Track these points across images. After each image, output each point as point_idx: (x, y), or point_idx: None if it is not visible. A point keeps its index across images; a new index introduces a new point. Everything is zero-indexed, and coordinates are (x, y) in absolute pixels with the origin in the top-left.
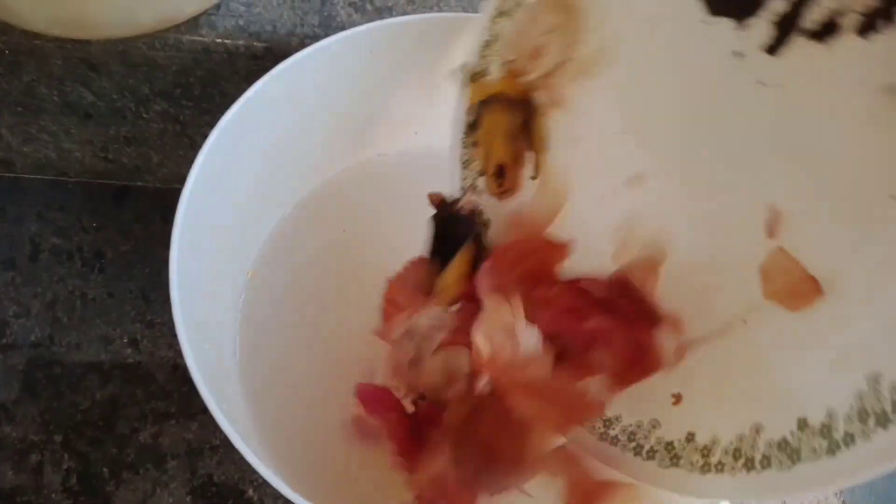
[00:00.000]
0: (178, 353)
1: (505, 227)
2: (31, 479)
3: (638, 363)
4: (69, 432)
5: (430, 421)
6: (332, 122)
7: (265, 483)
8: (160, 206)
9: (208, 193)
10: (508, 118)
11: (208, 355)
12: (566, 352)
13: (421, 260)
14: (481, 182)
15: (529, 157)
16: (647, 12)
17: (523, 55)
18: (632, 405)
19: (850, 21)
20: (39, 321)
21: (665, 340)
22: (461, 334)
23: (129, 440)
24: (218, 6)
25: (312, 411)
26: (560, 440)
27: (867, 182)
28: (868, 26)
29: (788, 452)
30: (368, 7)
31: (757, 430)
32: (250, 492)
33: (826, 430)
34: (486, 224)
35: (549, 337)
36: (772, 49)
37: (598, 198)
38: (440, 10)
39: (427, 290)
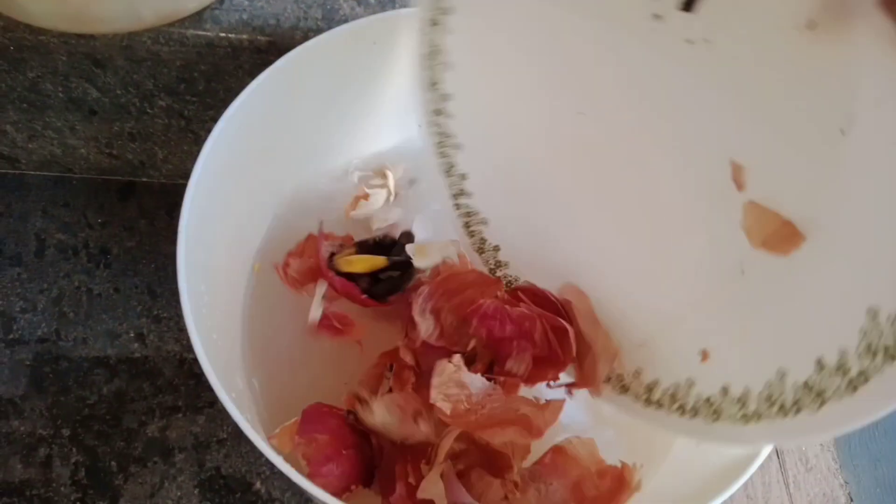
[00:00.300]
0: (185, 348)
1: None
2: (39, 472)
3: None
4: (77, 426)
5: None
6: (335, 114)
7: (273, 475)
8: (165, 201)
9: (214, 185)
10: None
11: (216, 345)
12: (498, 357)
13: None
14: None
15: None
16: None
17: None
18: (666, 368)
19: None
20: (46, 316)
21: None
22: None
23: (136, 434)
24: (221, 0)
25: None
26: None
27: (810, 120)
28: None
29: (814, 394)
30: None
31: (782, 374)
32: (258, 484)
33: (842, 369)
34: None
35: (485, 345)
36: (687, 6)
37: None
38: None
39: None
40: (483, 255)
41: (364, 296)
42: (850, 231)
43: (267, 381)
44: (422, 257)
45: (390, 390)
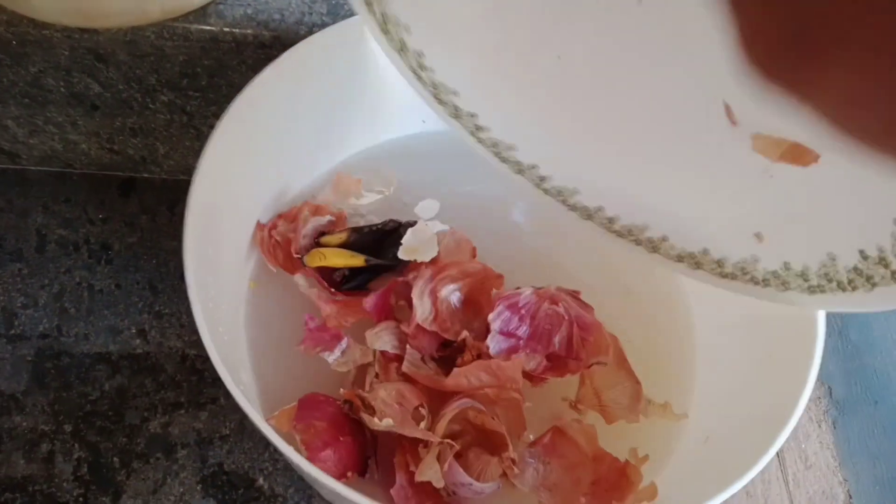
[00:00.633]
0: (187, 344)
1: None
2: (42, 468)
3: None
4: (79, 422)
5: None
6: (340, 109)
7: (276, 471)
8: (166, 197)
9: (219, 179)
10: None
11: (223, 339)
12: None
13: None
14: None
15: None
16: None
17: None
18: (730, 246)
19: None
20: (47, 312)
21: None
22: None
23: (138, 430)
24: None
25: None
26: None
27: None
28: None
29: (865, 277)
30: None
31: (833, 258)
32: (260, 480)
33: (883, 262)
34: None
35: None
36: None
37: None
38: None
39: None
40: (523, 175)
41: (332, 288)
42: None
43: (269, 376)
44: (411, 253)
45: (377, 376)
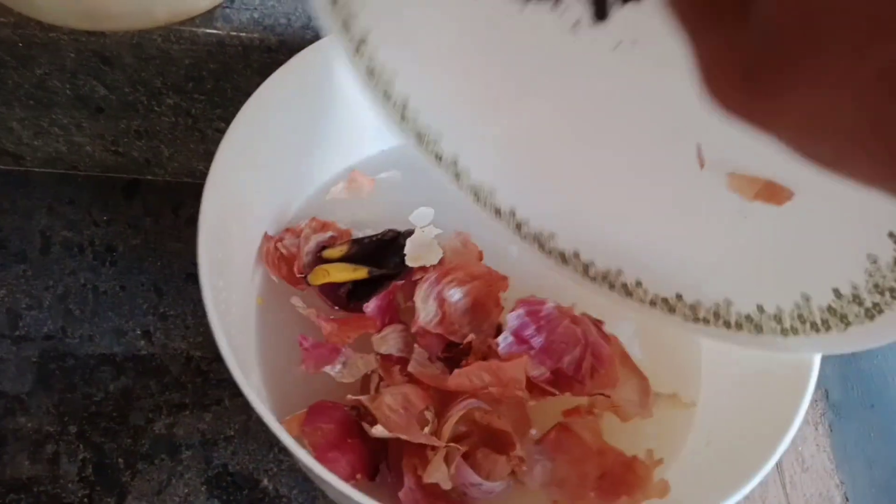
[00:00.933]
0: (192, 345)
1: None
2: (47, 469)
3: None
4: (84, 423)
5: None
6: (346, 114)
7: (280, 472)
8: (170, 199)
9: (228, 183)
10: None
11: (234, 341)
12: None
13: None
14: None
15: None
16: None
17: None
18: (705, 290)
19: None
20: (52, 313)
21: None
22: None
23: (143, 431)
24: None
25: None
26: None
27: None
28: None
29: (839, 317)
30: None
31: (806, 298)
32: (265, 481)
33: (857, 300)
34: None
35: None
36: (599, 15)
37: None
38: None
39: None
40: (501, 220)
41: (338, 304)
42: (828, 188)
43: (277, 381)
44: (417, 260)
45: (380, 379)
